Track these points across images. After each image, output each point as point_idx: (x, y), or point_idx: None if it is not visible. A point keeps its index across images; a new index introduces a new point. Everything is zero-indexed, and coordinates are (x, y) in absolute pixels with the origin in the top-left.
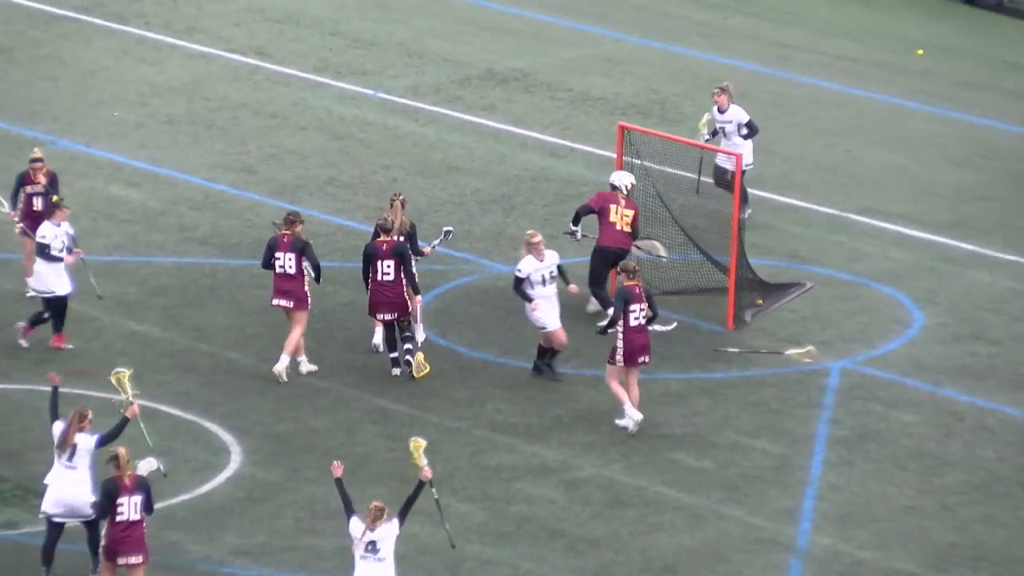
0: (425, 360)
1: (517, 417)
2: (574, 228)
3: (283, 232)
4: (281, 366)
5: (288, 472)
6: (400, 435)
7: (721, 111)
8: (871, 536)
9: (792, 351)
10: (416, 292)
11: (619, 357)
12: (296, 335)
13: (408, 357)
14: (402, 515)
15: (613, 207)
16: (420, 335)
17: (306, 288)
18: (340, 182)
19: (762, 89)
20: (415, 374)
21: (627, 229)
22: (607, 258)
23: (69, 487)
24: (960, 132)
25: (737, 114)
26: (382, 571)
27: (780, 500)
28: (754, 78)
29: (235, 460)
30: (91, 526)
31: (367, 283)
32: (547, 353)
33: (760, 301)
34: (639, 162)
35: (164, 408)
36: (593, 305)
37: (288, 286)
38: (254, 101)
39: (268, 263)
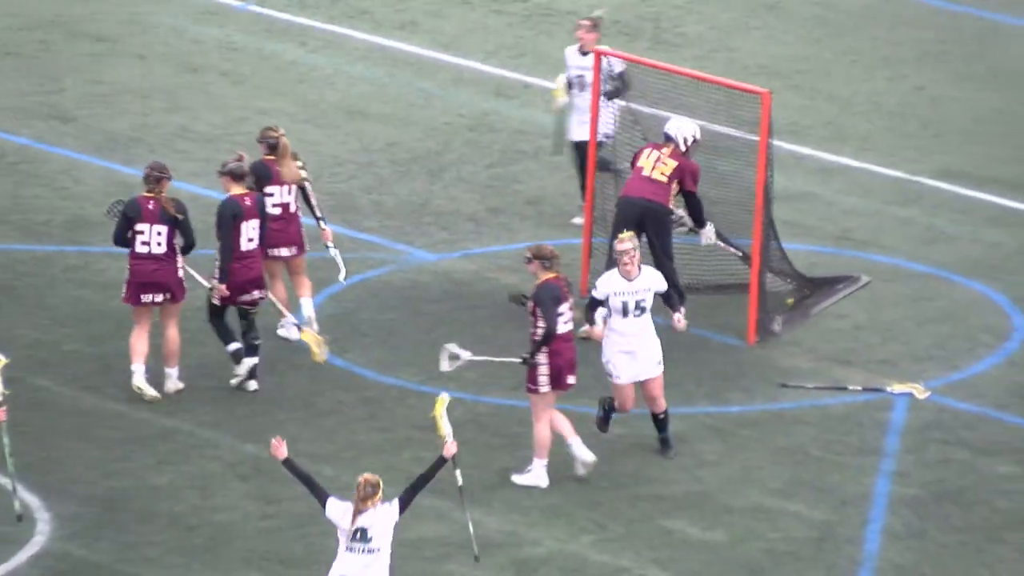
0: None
1: (447, 470)
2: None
3: (146, 194)
4: (173, 384)
5: (119, 549)
6: (278, 496)
7: (583, 52)
8: None
9: (896, 387)
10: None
11: (543, 380)
12: (176, 337)
13: (251, 378)
14: (406, 498)
15: (648, 151)
16: (292, 331)
17: (181, 272)
18: (195, 133)
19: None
20: (317, 357)
21: (660, 178)
22: (628, 214)
23: None
24: None
25: (603, 60)
26: (373, 565)
27: None
28: None
29: (42, 532)
30: None
31: (229, 256)
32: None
33: (791, 301)
34: (623, 103)
35: None
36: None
37: (158, 274)
38: (71, 18)
39: (123, 239)
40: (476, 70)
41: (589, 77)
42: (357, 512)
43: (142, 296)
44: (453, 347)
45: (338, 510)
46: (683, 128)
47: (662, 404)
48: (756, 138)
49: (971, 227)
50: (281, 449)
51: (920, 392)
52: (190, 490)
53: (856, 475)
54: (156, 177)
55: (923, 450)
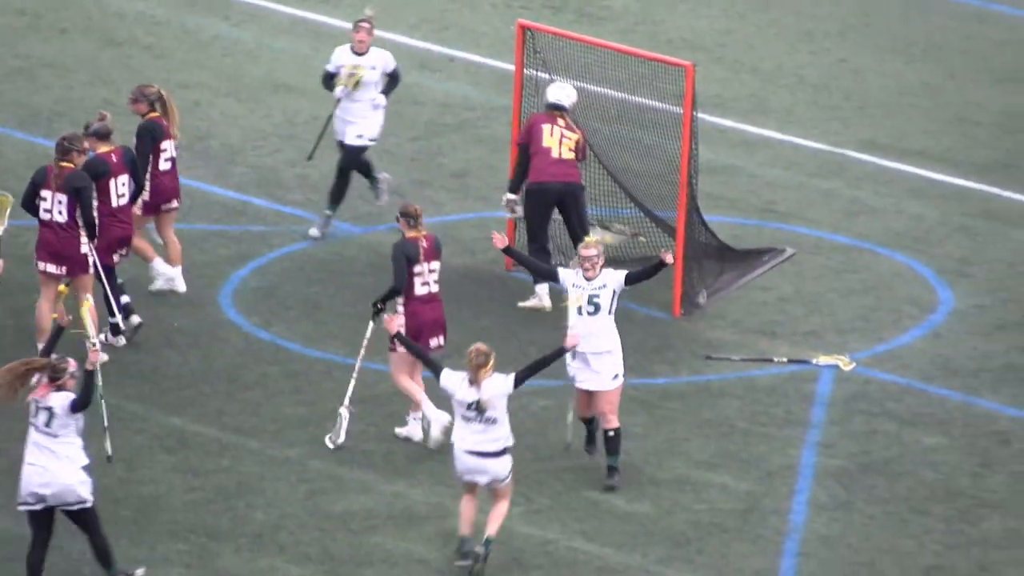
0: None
1: (372, 443)
2: (511, 197)
3: (55, 163)
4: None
5: None
6: (204, 468)
7: (359, 52)
8: None
9: (821, 359)
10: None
11: None
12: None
13: (133, 319)
14: (522, 376)
15: (547, 127)
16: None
17: (84, 246)
18: (118, 107)
19: None
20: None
21: (569, 156)
22: (546, 200)
23: (50, 462)
24: (1010, 34)
25: (380, 59)
26: (491, 433)
27: (748, 558)
28: None
29: None
30: (82, 520)
31: (92, 213)
32: (591, 421)
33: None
34: (547, 76)
35: None
36: (537, 296)
37: (57, 244)
38: None
39: (30, 204)
40: (400, 43)
41: (367, 76)
42: (472, 382)
43: (39, 263)
44: (328, 437)
45: (453, 380)
46: (570, 93)
47: (613, 422)
48: (680, 111)
49: (895, 199)
50: (393, 324)
51: (845, 364)
52: (116, 464)
53: (782, 447)
54: (64, 148)
55: (848, 422)
